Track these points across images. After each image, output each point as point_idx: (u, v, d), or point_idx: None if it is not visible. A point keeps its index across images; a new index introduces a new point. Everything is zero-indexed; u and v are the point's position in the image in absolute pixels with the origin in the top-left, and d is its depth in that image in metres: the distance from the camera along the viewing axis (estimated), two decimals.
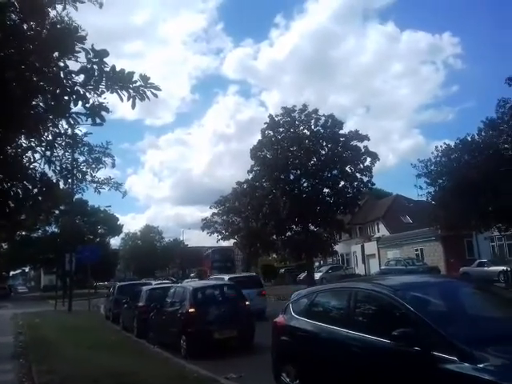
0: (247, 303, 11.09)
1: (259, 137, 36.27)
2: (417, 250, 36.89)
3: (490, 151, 19.26)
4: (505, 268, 23.07)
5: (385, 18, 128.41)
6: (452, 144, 21.67)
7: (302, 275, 39.26)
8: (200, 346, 9.67)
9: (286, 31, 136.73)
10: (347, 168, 34.15)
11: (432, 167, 22.01)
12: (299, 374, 5.45)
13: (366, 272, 40.17)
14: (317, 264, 48.10)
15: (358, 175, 34.31)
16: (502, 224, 20.73)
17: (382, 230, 45.99)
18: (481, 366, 3.36)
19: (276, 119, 35.41)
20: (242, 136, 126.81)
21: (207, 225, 57.93)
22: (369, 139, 33.97)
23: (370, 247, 43.42)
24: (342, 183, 34.66)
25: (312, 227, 36.35)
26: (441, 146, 22.11)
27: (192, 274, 54.32)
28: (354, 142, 34.08)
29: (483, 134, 20.54)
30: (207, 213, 61.45)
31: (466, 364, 3.44)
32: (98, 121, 4.74)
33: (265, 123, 35.89)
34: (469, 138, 20.84)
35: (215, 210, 56.61)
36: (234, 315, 10.34)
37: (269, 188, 35.03)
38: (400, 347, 3.91)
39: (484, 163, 18.96)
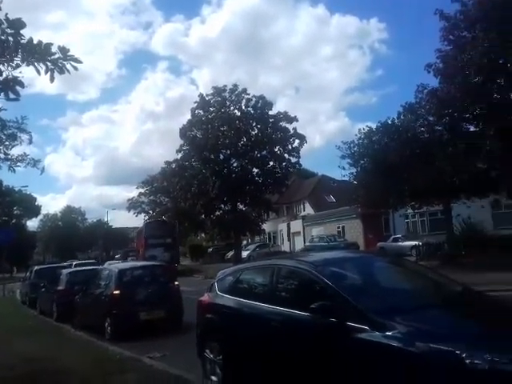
0: (176, 283, 11.03)
1: (189, 116, 35.68)
2: (339, 228, 38.72)
3: (407, 134, 20.42)
4: (416, 243, 24.93)
5: (315, 1, 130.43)
6: (374, 127, 22.76)
7: (230, 254, 39.73)
8: (125, 327, 9.51)
9: (218, 9, 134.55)
10: (276, 149, 34.70)
11: (355, 149, 22.94)
12: (223, 349, 5.53)
13: (291, 249, 41.47)
14: (245, 242, 48.85)
15: (287, 156, 35.03)
16: (416, 202, 22.26)
17: (308, 209, 47.66)
18: (390, 333, 3.59)
19: (207, 99, 34.99)
20: (171, 114, 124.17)
21: (133, 205, 56.43)
22: (297, 120, 34.71)
23: (296, 225, 44.85)
24: (271, 164, 35.21)
25: (241, 207, 36.74)
26: (363, 129, 23.09)
27: (117, 256, 52.08)
28: (283, 124, 34.63)
29: (402, 117, 21.71)
30: (134, 193, 59.82)
31: (377, 333, 3.67)
32: (11, 96, 4.37)
33: (195, 102, 35.37)
34: (389, 122, 21.90)
35: (142, 190, 55.26)
36: (161, 296, 10.26)
37: (198, 168, 34.71)
38: (317, 319, 4.09)
39: (402, 146, 20.11)
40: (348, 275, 4.95)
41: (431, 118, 19.89)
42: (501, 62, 15.82)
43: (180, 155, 36.77)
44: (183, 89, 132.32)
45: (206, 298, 6.30)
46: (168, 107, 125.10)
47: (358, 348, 3.77)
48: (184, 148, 35.82)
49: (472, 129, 19.08)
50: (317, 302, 4.12)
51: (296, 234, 44.71)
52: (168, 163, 43.90)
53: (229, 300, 5.68)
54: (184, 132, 35.06)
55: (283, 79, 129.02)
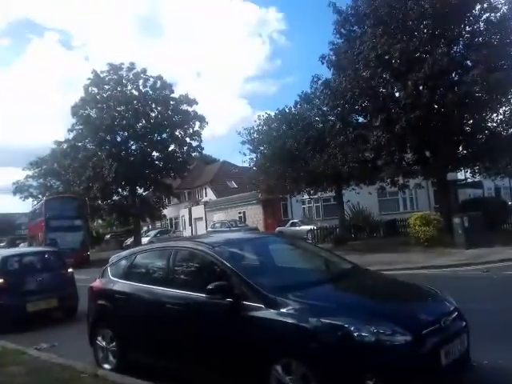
0: (70, 270, 10.32)
1: (82, 93, 33.33)
2: (240, 213, 39.37)
3: (303, 123, 21.33)
4: (312, 227, 26.35)
5: None
6: (272, 114, 23.40)
7: (129, 240, 38.36)
8: (10, 320, 8.68)
9: None
10: (177, 132, 34.01)
11: (255, 135, 23.45)
12: (116, 336, 5.33)
13: (192, 235, 41.28)
14: (145, 228, 47.49)
15: (188, 140, 34.53)
16: (311, 188, 23.44)
17: (210, 195, 47.70)
18: (283, 310, 3.72)
19: (101, 76, 32.90)
20: (61, 91, 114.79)
21: (20, 189, 51.58)
22: (197, 103, 34.27)
23: (198, 211, 44.69)
24: (172, 147, 34.47)
25: (140, 191, 35.52)
26: (262, 116, 23.70)
27: (1, 244, 46.86)
28: (184, 106, 34.00)
29: (299, 106, 22.61)
30: (20, 175, 54.66)
31: (271, 310, 3.78)
32: None
33: (88, 79, 33.05)
34: (287, 110, 22.73)
35: (30, 173, 50.61)
36: (53, 284, 9.53)
37: (93, 149, 32.70)
38: (214, 300, 4.09)
39: (298, 133, 20.95)
40: (245, 256, 5.02)
41: (325, 108, 20.91)
42: (386, 57, 17.05)
43: (72, 135, 34.30)
44: (75, 64, 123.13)
45: (97, 283, 5.98)
46: (58, 83, 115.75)
47: (253, 326, 3.85)
48: (77, 127, 33.46)
49: (361, 120, 20.45)
50: (214, 282, 4.11)
51: (198, 219, 44.55)
52: (58, 143, 40.57)
53: (123, 285, 5.44)
54: (76, 110, 32.71)
55: (185, 63, 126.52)
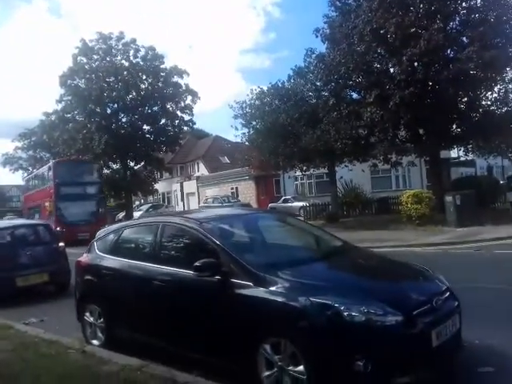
0: (61, 244, 10.17)
1: (70, 63, 32.52)
2: (232, 189, 39.26)
3: (296, 98, 21.00)
4: (304, 204, 26.33)
5: None
6: (265, 88, 22.99)
7: (121, 214, 38.21)
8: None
9: None
10: (168, 105, 33.49)
11: (247, 109, 23.08)
12: (104, 312, 5.26)
13: (184, 210, 41.23)
14: (137, 203, 47.28)
15: (179, 113, 34.05)
16: (304, 165, 23.30)
17: (202, 170, 47.41)
18: (272, 288, 3.64)
19: (90, 45, 32.06)
20: (49, 59, 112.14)
21: (10, 160, 50.91)
22: (188, 74, 33.71)
23: (190, 186, 44.48)
24: (163, 121, 34.00)
25: (131, 165, 35.18)
26: (255, 90, 23.29)
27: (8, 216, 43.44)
28: (175, 79, 33.39)
29: (292, 81, 22.23)
30: (9, 147, 53.78)
31: (260, 288, 3.69)
32: None
33: (76, 48, 32.19)
34: (279, 84, 22.33)
35: (19, 144, 49.87)
36: (44, 259, 9.39)
37: (82, 121, 32.19)
38: (202, 277, 3.99)
39: (291, 108, 20.66)
40: (234, 232, 4.92)
41: (318, 83, 20.58)
42: (381, 32, 16.71)
43: (61, 106, 33.66)
44: (63, 32, 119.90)
45: (84, 258, 5.87)
46: (46, 51, 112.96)
47: (242, 304, 3.77)
48: (65, 98, 32.84)
49: (355, 96, 20.21)
50: (202, 259, 4.00)
51: (190, 194, 44.37)
52: (47, 115, 39.79)
53: (109, 260, 5.33)
54: (64, 80, 31.97)
55: (176, 35, 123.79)
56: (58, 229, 19.67)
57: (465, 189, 18.32)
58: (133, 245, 5.49)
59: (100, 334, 5.35)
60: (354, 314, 3.27)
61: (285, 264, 3.99)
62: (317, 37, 19.48)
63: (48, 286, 9.43)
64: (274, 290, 3.62)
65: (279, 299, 3.56)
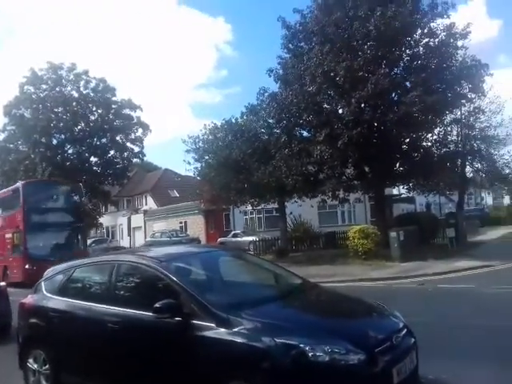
0: (3, 284, 9.45)
1: (16, 92, 31.47)
2: (181, 223, 38.70)
3: (249, 134, 21.41)
4: (254, 238, 26.37)
5: None
6: (219, 124, 23.28)
7: None
8: None
9: None
10: (118, 137, 33.01)
11: (200, 144, 23.18)
12: (50, 357, 4.91)
13: (131, 244, 39.91)
14: None
15: (129, 145, 33.61)
16: (254, 199, 23.50)
17: (150, 203, 46.51)
18: (235, 329, 3.56)
19: (39, 74, 31.28)
20: None
21: None
22: (142, 109, 33.54)
23: (137, 219, 43.34)
24: (112, 152, 33.34)
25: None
26: (209, 125, 23.53)
27: None
28: (127, 111, 33.10)
29: (245, 117, 22.70)
30: None
31: (222, 329, 3.60)
32: None
33: (24, 77, 31.30)
34: (233, 120, 22.73)
35: None
36: None
37: (26, 152, 30.90)
38: (162, 319, 3.85)
39: (244, 144, 20.99)
40: (194, 271, 4.81)
41: (271, 121, 21.17)
42: (332, 74, 17.58)
43: (3, 136, 32.24)
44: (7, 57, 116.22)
45: (29, 300, 5.49)
46: None
47: (204, 346, 3.66)
48: (8, 128, 31.51)
49: (305, 134, 20.88)
50: (161, 300, 3.87)
51: (137, 228, 43.18)
52: None
53: (58, 302, 5.03)
54: (9, 109, 30.85)
55: (129, 68, 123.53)
56: (27, 266, 17.53)
57: (406, 225, 19.18)
58: (85, 285, 5.21)
59: (44, 383, 4.97)
60: (318, 353, 3.27)
61: (247, 303, 3.93)
62: (270, 76, 20.20)
63: None
64: (237, 331, 3.55)
65: (242, 340, 3.49)
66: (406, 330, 3.98)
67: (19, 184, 20.81)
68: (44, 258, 16.82)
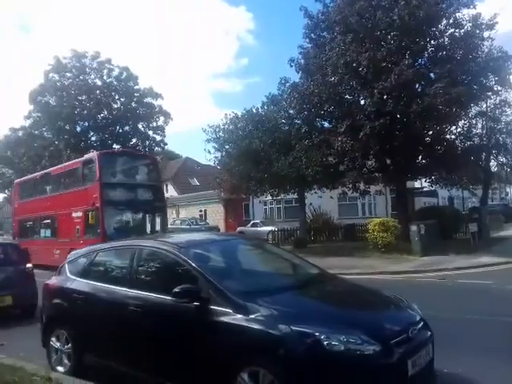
0: (29, 265, 9.72)
1: (41, 79, 32.05)
2: (201, 211, 38.98)
3: (270, 124, 21.36)
4: (272, 228, 26.44)
5: None
6: (239, 114, 23.29)
7: None
8: None
9: None
10: (140, 125, 33.36)
11: (220, 133, 23.25)
12: (72, 337, 5.10)
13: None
14: None
15: (151, 133, 33.93)
16: (274, 190, 23.51)
17: (171, 191, 46.99)
18: (252, 316, 3.62)
19: (63, 62, 31.75)
20: (19, 74, 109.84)
21: None
22: (163, 98, 33.79)
23: None
24: (134, 140, 33.72)
25: None
26: (229, 114, 23.55)
27: None
28: (149, 99, 33.37)
29: (266, 107, 22.63)
30: None
31: (239, 315, 3.67)
32: None
33: (49, 65, 31.82)
34: (254, 110, 22.69)
35: None
36: (7, 281, 8.94)
37: (50, 138, 31.55)
38: (180, 303, 3.94)
39: (264, 134, 20.97)
40: (213, 258, 4.89)
41: (292, 111, 21.02)
42: (354, 65, 17.34)
43: (29, 122, 32.91)
44: (36, 48, 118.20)
45: (53, 281, 5.69)
46: (17, 67, 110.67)
47: (221, 331, 3.73)
48: (34, 115, 32.17)
49: (326, 125, 20.72)
50: (180, 285, 3.96)
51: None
52: (13, 130, 38.86)
53: (81, 284, 5.19)
54: (35, 96, 31.44)
55: (150, 57, 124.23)
56: None
57: (428, 218, 18.92)
58: (107, 268, 5.36)
59: (66, 361, 5.17)
60: (333, 343, 3.31)
61: (264, 291, 3.99)
62: (291, 66, 20.05)
63: (13, 309, 8.99)
64: (254, 318, 3.61)
65: (259, 327, 3.55)
66: (422, 322, 3.98)
67: (93, 154, 17.80)
68: None
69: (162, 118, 33.70)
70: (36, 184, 21.48)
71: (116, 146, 33.32)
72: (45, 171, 21.68)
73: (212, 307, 3.83)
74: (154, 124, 33.83)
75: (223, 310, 3.78)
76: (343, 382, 3.27)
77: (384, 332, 3.56)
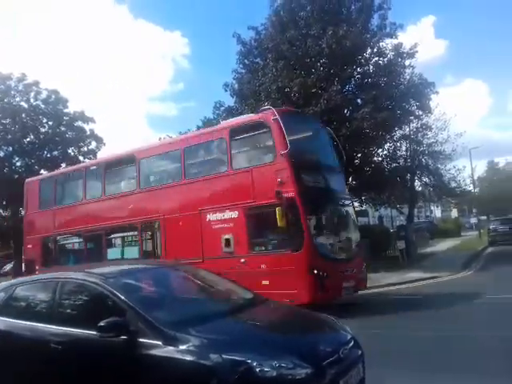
0: None
1: None
2: None
3: None
4: None
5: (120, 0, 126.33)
6: (174, 136, 23.08)
7: (8, 266, 34.53)
8: None
9: None
10: (70, 150, 32.00)
11: None
12: None
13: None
14: None
15: (82, 158, 32.60)
16: None
17: None
18: (183, 347, 3.49)
19: None
20: None
21: None
22: (95, 122, 32.73)
23: None
24: (64, 166, 32.20)
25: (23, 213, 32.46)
26: (164, 138, 23.30)
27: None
28: (79, 123, 32.22)
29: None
30: None
31: (170, 347, 3.53)
32: None
33: None
34: (189, 133, 22.62)
35: None
36: None
37: None
38: (106, 338, 3.72)
39: None
40: (142, 287, 4.71)
41: None
42: (286, 90, 17.92)
43: None
44: None
45: None
46: None
47: (151, 365, 3.56)
48: None
49: None
50: (106, 318, 3.75)
51: None
52: None
53: None
54: None
55: (83, 80, 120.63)
56: (315, 271, 9.08)
57: (361, 237, 19.60)
58: (27, 304, 4.94)
59: None
60: (265, 369, 3.27)
61: (196, 320, 3.87)
62: (226, 91, 20.38)
63: None
64: (185, 349, 3.49)
65: (190, 358, 3.43)
66: (353, 342, 4.05)
67: (269, 112, 10.35)
68: (334, 257, 10.20)
69: (93, 143, 32.61)
70: (98, 175, 13.65)
71: (44, 172, 31.67)
72: (126, 152, 13.53)
73: (141, 340, 3.66)
74: (85, 149, 32.60)
75: (153, 342, 3.61)
76: None
77: (315, 354, 3.57)
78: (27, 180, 16.45)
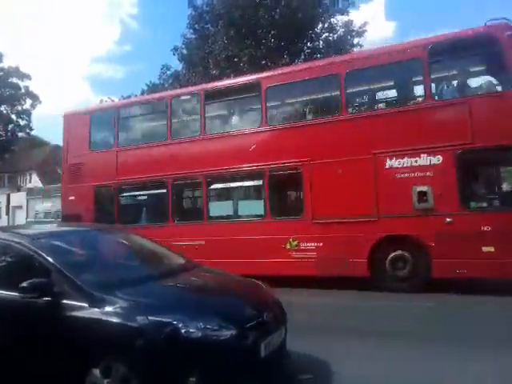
0: None
1: None
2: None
3: None
4: None
5: None
6: (116, 99, 22.21)
7: None
8: None
9: None
10: (2, 107, 29.98)
11: None
12: None
13: (9, 224, 36.62)
14: None
15: (14, 117, 30.69)
16: None
17: (35, 181, 42.95)
18: (110, 309, 3.51)
19: None
20: None
21: None
22: (30, 78, 30.78)
23: (18, 198, 39.71)
24: None
25: None
26: (106, 101, 22.34)
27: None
28: (14, 80, 30.16)
29: (145, 95, 21.96)
30: None
31: (96, 309, 3.53)
32: None
33: None
34: (132, 97, 21.86)
35: None
36: None
37: None
38: (30, 299, 3.66)
39: None
40: (71, 250, 4.60)
41: None
42: (235, 60, 17.72)
43: None
44: None
45: None
46: None
47: (76, 327, 3.55)
48: None
49: None
50: (31, 279, 3.67)
51: (17, 207, 39.54)
52: None
53: None
54: None
55: (23, 35, 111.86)
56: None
57: None
58: None
59: None
60: (191, 330, 3.36)
61: (124, 283, 3.89)
62: (174, 55, 19.82)
63: None
64: (111, 311, 3.50)
65: (115, 320, 3.45)
66: (277, 305, 4.23)
67: (502, 24, 7.80)
68: None
69: (28, 101, 30.72)
70: (193, 107, 10.72)
71: None
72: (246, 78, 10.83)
73: (66, 301, 3.63)
74: (20, 108, 30.66)
75: (78, 304, 3.59)
76: (200, 367, 3.34)
77: (240, 317, 3.70)
78: (66, 113, 12.33)
